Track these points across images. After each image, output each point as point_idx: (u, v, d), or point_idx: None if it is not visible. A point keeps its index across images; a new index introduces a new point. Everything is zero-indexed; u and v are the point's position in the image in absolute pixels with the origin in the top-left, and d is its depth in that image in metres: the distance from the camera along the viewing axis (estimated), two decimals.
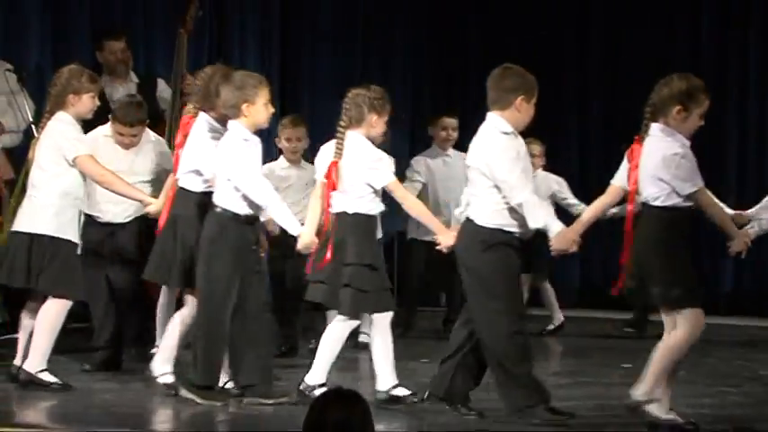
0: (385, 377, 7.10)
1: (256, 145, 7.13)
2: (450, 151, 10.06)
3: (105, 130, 8.31)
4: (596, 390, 7.83)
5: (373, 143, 7.14)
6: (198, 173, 7.30)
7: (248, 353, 7.11)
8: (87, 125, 7.97)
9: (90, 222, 8.05)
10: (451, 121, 10.08)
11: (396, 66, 12.92)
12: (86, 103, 7.55)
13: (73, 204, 7.50)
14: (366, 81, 12.26)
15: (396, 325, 8.50)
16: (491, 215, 6.66)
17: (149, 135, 8.48)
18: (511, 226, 6.66)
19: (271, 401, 7.05)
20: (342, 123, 7.13)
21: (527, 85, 6.76)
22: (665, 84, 6.46)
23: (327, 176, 7.08)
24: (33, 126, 9.14)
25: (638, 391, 6.46)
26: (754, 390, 7.89)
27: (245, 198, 7.05)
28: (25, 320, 7.73)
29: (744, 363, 8.93)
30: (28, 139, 9.24)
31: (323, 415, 3.95)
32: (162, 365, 7.41)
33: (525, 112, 6.73)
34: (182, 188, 7.38)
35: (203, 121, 7.37)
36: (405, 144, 12.14)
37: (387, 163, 7.20)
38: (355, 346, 8.93)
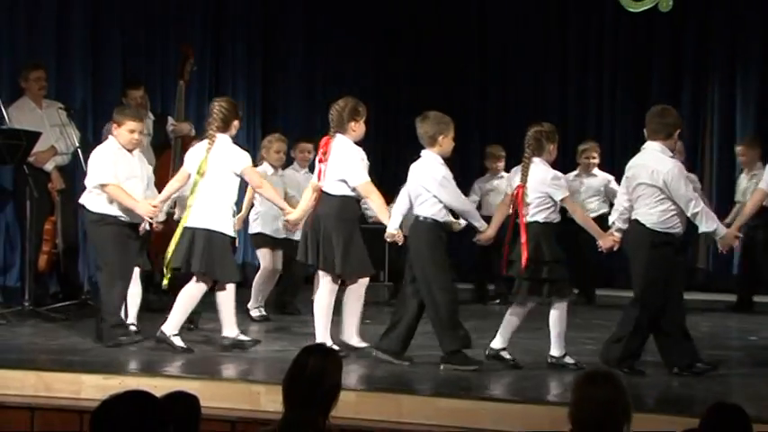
0: (556, 347, 6.90)
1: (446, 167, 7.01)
2: (305, 169, 9.56)
3: (115, 143, 7.61)
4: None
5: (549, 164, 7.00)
6: (342, 181, 7.09)
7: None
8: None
9: None
10: (308, 146, 9.58)
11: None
12: (237, 126, 7.43)
13: (229, 206, 7.29)
14: (325, 111, 12.45)
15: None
16: (660, 221, 6.62)
17: None
18: (673, 229, 6.65)
19: (463, 368, 6.78)
20: (526, 154, 6.92)
21: (680, 121, 6.85)
22: None
23: (516, 196, 6.90)
24: (79, 150, 9.13)
25: None
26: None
27: (446, 208, 6.90)
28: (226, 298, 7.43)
29: (602, 322, 8.65)
30: (75, 158, 9.31)
31: (306, 362, 3.99)
32: (357, 337, 7.24)
33: (676, 142, 6.83)
34: (326, 192, 7.13)
35: (343, 140, 7.16)
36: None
37: (564, 182, 7.01)
38: (253, 320, 8.87)
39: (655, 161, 6.69)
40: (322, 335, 7.15)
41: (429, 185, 6.90)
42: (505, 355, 6.93)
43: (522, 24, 12.81)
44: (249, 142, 11.86)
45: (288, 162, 9.72)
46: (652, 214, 6.64)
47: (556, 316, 6.91)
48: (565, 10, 12.72)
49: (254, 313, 9.14)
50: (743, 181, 10.16)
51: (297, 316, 9.25)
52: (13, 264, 9.55)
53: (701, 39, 12.11)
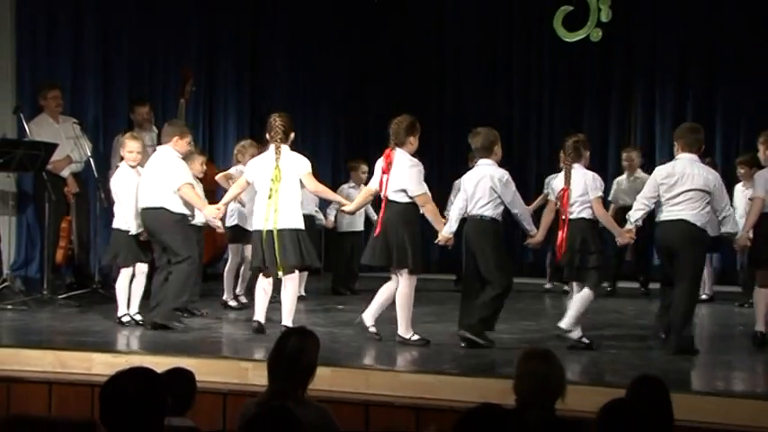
0: (570, 322, 6.73)
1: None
2: None
3: (174, 153, 7.47)
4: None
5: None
6: (403, 191, 6.86)
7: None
8: None
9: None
10: None
11: (321, 119, 12.78)
12: (293, 138, 7.29)
13: (300, 204, 7.18)
14: (302, 123, 12.49)
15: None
16: (706, 221, 6.58)
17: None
18: (708, 227, 6.64)
19: (482, 341, 6.71)
20: (567, 161, 6.83)
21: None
22: None
23: (561, 198, 6.80)
24: (91, 158, 9.13)
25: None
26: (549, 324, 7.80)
27: (504, 208, 6.77)
28: (267, 287, 7.26)
29: (542, 308, 8.81)
30: (87, 166, 9.26)
31: (286, 342, 4.00)
32: (371, 319, 7.00)
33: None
34: (391, 200, 6.91)
35: (402, 154, 6.92)
36: (327, 169, 12.22)
37: (598, 183, 6.83)
38: (225, 307, 8.55)
39: (702, 170, 6.67)
40: (405, 326, 6.91)
41: (497, 187, 6.77)
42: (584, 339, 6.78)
43: (475, 49, 12.85)
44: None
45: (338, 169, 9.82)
46: (703, 215, 6.58)
47: (583, 293, 6.77)
48: (511, 37, 12.82)
49: (233, 303, 8.70)
50: (623, 182, 10.13)
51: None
52: (33, 258, 9.49)
53: (626, 64, 12.24)
